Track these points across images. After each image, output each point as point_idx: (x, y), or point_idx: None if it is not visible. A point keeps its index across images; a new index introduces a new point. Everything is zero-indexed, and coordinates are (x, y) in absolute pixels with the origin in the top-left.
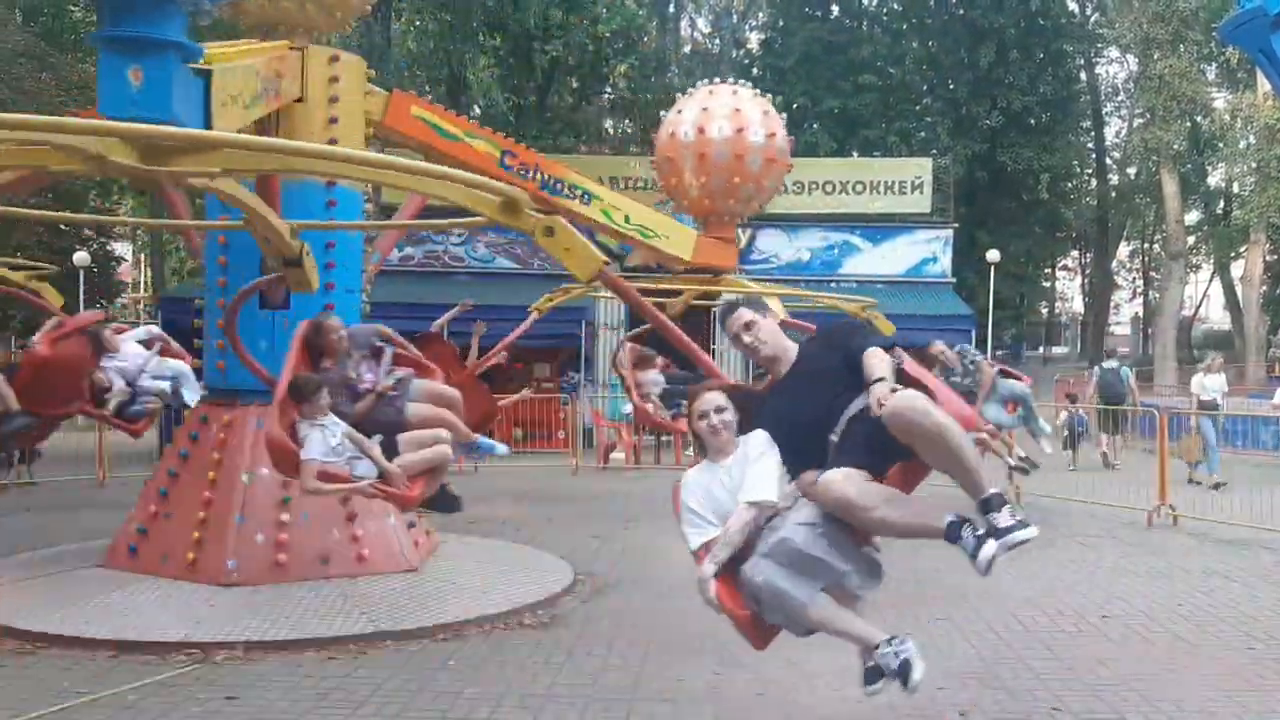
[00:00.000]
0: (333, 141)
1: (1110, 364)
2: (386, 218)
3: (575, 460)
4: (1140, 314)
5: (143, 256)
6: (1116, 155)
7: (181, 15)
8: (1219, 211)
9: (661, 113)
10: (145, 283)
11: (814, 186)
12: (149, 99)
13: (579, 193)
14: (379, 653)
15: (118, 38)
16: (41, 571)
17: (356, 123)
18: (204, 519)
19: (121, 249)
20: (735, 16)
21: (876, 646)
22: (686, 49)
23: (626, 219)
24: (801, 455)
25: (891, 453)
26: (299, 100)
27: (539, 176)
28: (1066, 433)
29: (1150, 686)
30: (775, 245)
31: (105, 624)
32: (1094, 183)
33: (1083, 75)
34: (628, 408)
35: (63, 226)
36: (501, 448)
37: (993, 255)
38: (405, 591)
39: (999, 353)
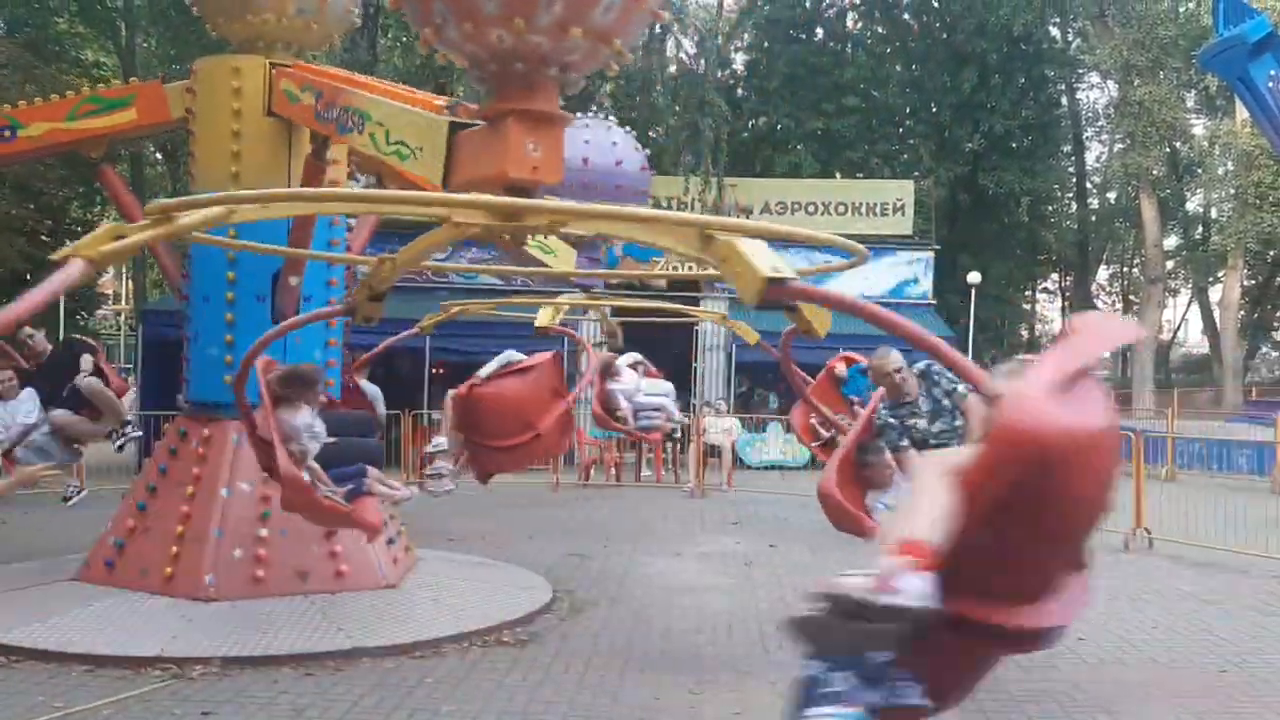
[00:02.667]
0: (235, 155)
1: None
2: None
3: (556, 477)
4: None
5: (124, 269)
6: (1097, 180)
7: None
8: (1197, 236)
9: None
10: (126, 295)
11: (796, 207)
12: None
13: (353, 115)
14: (356, 669)
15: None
16: (16, 584)
17: (280, 132)
18: (182, 533)
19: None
20: (720, 38)
21: None
22: (671, 69)
23: (387, 136)
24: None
25: None
26: (179, 126)
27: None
28: None
29: (1124, 710)
30: None
31: (81, 638)
32: (1074, 207)
33: (1064, 100)
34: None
35: (43, 237)
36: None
37: (974, 277)
38: (383, 608)
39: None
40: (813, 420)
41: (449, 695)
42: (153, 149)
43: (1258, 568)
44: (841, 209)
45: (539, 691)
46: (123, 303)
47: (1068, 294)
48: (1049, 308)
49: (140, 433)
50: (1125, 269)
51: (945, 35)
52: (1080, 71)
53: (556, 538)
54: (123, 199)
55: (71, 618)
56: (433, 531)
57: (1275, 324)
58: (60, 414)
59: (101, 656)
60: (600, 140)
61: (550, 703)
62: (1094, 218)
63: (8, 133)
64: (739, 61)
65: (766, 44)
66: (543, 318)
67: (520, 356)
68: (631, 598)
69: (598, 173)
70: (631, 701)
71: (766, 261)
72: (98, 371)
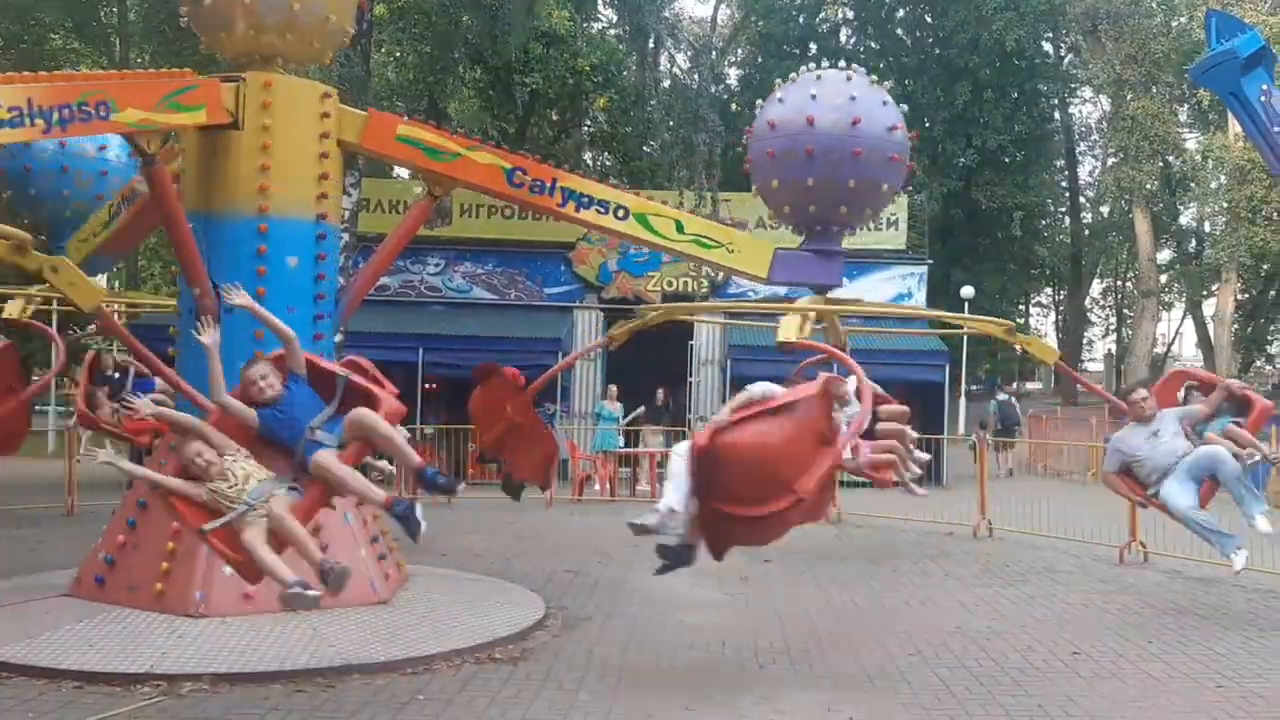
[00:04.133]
0: (264, 168)
1: (1003, 396)
2: (363, 252)
3: (549, 492)
4: (1113, 351)
5: (117, 283)
6: (1090, 194)
7: None
8: (1191, 250)
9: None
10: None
11: None
12: None
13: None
14: (347, 686)
15: None
16: (6, 601)
17: (302, 148)
18: (172, 549)
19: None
20: (714, 53)
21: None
22: (666, 84)
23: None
24: None
25: None
26: (235, 127)
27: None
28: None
29: None
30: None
31: (70, 654)
32: (1067, 221)
33: (1057, 115)
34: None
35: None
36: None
37: (967, 292)
38: (374, 624)
39: (974, 388)
40: None
41: (441, 712)
42: None
43: (1252, 582)
44: None
45: (532, 708)
46: (115, 317)
47: (1061, 308)
48: (1042, 322)
49: None
50: (1119, 283)
51: (938, 51)
52: (1073, 86)
53: (550, 553)
54: (170, 205)
55: (61, 634)
56: (424, 547)
57: (1269, 338)
58: None
59: (91, 673)
60: (831, 96)
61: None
62: (1087, 232)
63: (103, 110)
64: (733, 76)
65: (760, 59)
66: (787, 329)
67: (776, 389)
68: (625, 613)
69: (829, 137)
70: (626, 718)
71: None
72: None
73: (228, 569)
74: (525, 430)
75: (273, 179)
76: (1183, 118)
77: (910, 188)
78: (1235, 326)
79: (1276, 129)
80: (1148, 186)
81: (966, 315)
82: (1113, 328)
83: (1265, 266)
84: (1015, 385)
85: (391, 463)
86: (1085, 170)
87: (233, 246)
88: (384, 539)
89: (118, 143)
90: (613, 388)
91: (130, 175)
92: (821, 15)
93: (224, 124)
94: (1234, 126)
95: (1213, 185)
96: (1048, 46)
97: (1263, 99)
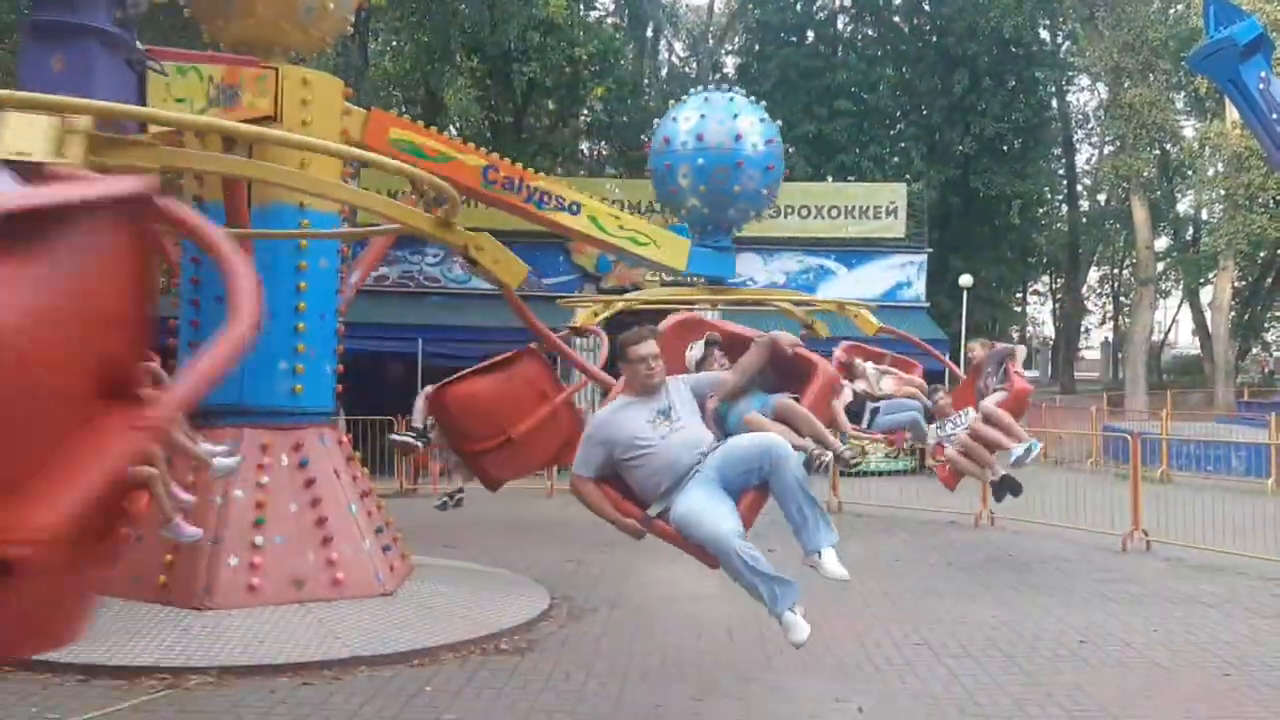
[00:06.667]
0: (303, 164)
1: None
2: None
3: (551, 483)
4: (1111, 339)
5: None
6: (1087, 182)
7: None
8: (1188, 238)
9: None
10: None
11: (789, 210)
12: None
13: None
14: (354, 678)
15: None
16: None
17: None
18: (176, 541)
19: None
20: (712, 41)
21: None
22: (663, 72)
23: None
24: None
25: None
26: (271, 119)
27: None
28: None
29: (1127, 713)
30: (751, 268)
31: (75, 647)
32: (1065, 209)
33: (1054, 103)
34: None
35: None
36: None
37: (965, 280)
38: (380, 616)
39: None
40: None
41: (449, 704)
42: None
43: (1255, 569)
44: (834, 212)
45: (540, 699)
46: None
47: (1058, 296)
48: (1040, 310)
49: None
50: (1116, 271)
51: (936, 38)
52: (1070, 74)
53: (553, 543)
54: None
55: None
56: (429, 538)
57: (1266, 325)
58: None
59: (96, 666)
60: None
61: (551, 711)
62: (1085, 220)
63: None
64: (730, 65)
65: (758, 47)
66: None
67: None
68: (630, 604)
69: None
70: (633, 709)
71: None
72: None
73: (234, 559)
74: (558, 417)
75: (313, 174)
76: (1180, 105)
77: (908, 176)
78: (1232, 314)
79: (1275, 116)
80: (1145, 174)
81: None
82: (1110, 316)
83: (1262, 254)
84: None
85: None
86: (1083, 158)
87: (274, 242)
88: (388, 530)
89: None
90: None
91: None
92: (819, 2)
93: (266, 116)
94: (1231, 114)
95: (1210, 173)
96: (1045, 34)
97: (1261, 86)
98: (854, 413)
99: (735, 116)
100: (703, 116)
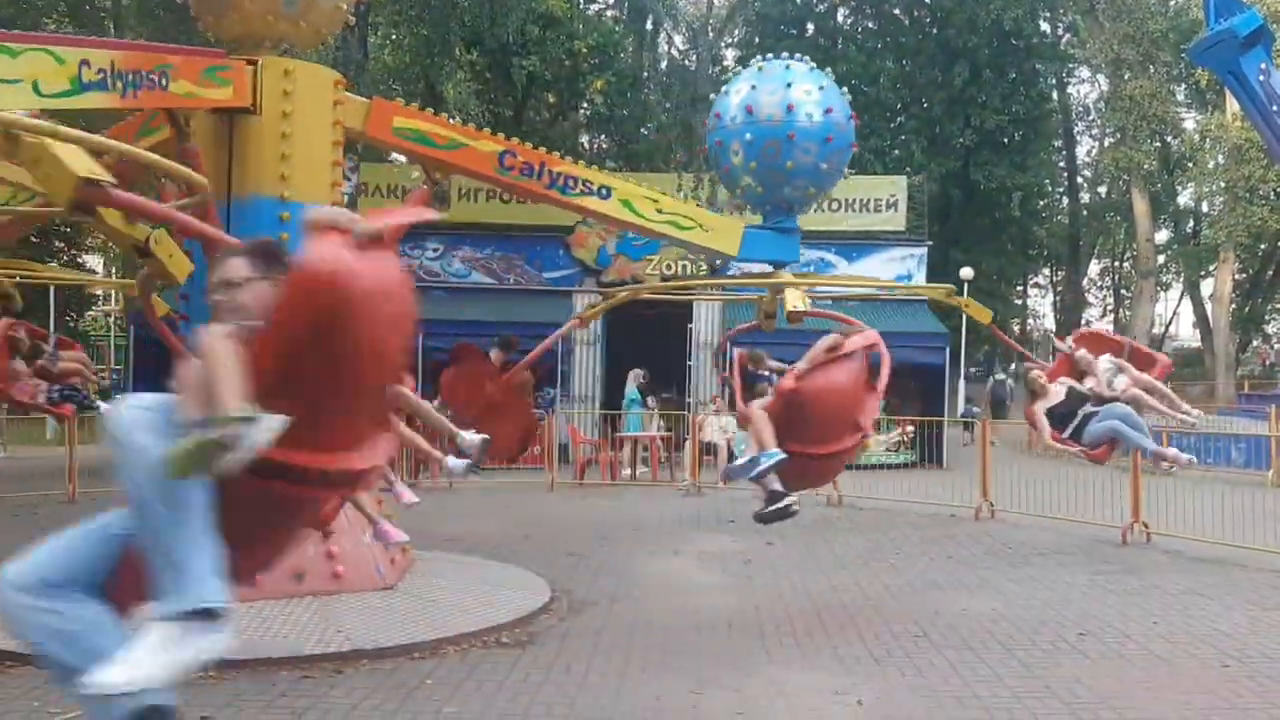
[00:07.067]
0: (285, 156)
1: (1000, 376)
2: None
3: (551, 476)
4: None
5: (114, 270)
6: (1088, 174)
7: None
8: (1189, 230)
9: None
10: (115, 295)
11: None
12: None
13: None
14: (355, 671)
15: None
16: None
17: (319, 135)
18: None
19: (93, 261)
20: (712, 34)
21: None
22: (663, 65)
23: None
24: None
25: None
26: (250, 110)
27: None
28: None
29: (1127, 705)
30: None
31: None
32: (1065, 201)
33: (1054, 95)
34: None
35: (31, 238)
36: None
37: (966, 273)
38: (381, 609)
39: (973, 370)
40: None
41: (449, 697)
42: None
43: (1255, 561)
44: (834, 205)
45: (540, 692)
46: (112, 304)
47: (1059, 288)
48: (1041, 302)
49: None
50: (1117, 263)
51: (936, 30)
52: (1071, 66)
53: (553, 537)
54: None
55: None
56: (430, 532)
57: (1267, 317)
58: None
59: None
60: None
61: (551, 703)
62: (1085, 212)
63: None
64: (730, 57)
65: (758, 39)
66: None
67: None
68: (630, 597)
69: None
70: (633, 701)
71: (83, 165)
72: None
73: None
74: (503, 408)
75: (294, 167)
76: (1180, 97)
77: (909, 169)
78: (1233, 306)
79: (1275, 108)
80: (1145, 166)
81: (913, 284)
82: (1111, 308)
83: (1263, 246)
84: (1012, 366)
85: None
86: (1083, 150)
87: (255, 232)
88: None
89: None
90: (638, 372)
91: None
92: None
93: (241, 108)
94: (1232, 106)
95: (1210, 165)
96: (1045, 26)
97: (1261, 78)
98: (1060, 415)
99: (789, 86)
100: (753, 87)
